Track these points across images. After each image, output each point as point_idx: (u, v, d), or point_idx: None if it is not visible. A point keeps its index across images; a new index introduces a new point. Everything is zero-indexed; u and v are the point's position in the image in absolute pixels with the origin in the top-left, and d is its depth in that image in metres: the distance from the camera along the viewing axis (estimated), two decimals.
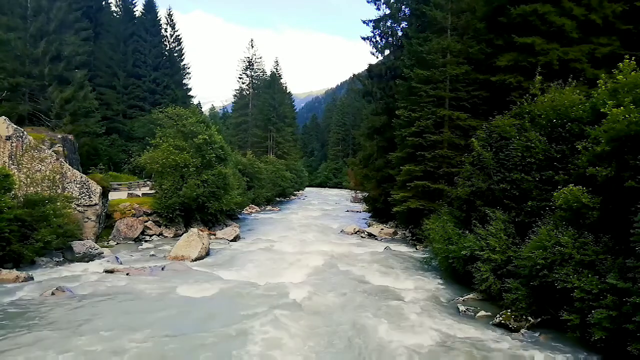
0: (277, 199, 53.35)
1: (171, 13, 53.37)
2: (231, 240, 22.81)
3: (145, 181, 35.08)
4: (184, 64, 55.04)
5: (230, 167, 28.63)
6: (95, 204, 19.88)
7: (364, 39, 30.64)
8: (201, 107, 73.92)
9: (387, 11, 29.88)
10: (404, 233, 25.46)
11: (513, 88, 16.72)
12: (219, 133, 27.73)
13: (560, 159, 11.50)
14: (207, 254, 18.32)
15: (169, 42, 52.68)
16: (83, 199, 19.60)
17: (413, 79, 21.40)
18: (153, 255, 18.38)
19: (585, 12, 16.51)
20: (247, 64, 71.59)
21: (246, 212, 37.76)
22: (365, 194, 36.20)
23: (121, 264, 16.30)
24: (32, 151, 18.88)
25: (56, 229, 15.87)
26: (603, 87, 10.33)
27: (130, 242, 21.31)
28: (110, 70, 45.43)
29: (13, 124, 19.14)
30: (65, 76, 30.95)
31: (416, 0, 26.16)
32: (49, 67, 29.65)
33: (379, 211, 30.96)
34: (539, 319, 10.06)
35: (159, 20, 51.63)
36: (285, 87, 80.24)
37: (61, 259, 16.29)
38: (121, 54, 46.50)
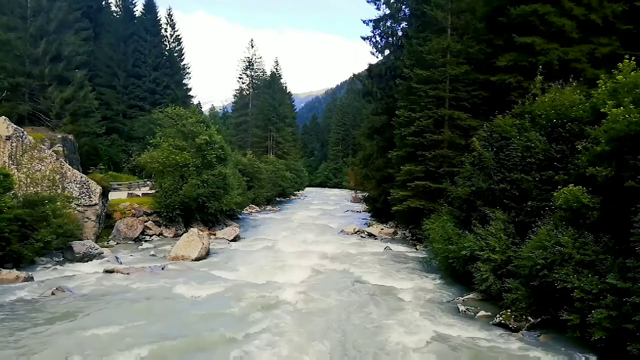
0: (277, 199, 53.35)
1: (171, 13, 53.46)
2: (231, 240, 22.81)
3: (145, 181, 35.09)
4: (184, 64, 55.07)
5: (230, 167, 28.62)
6: (95, 204, 19.88)
7: (364, 39, 30.67)
8: (201, 107, 73.91)
9: (387, 11, 29.88)
10: (404, 233, 25.45)
11: (513, 88, 16.69)
12: (219, 133, 27.73)
13: (560, 159, 11.50)
14: (207, 253, 18.32)
15: (169, 42, 52.69)
16: (83, 199, 19.61)
17: (413, 79, 21.40)
18: (153, 255, 18.39)
19: (585, 12, 16.48)
20: (247, 64, 71.61)
21: (246, 212, 37.76)
22: (365, 194, 36.20)
23: (121, 264, 16.30)
24: (32, 151, 18.89)
25: (56, 229, 15.87)
26: (603, 87, 10.33)
27: (130, 242, 21.31)
28: (110, 70, 45.44)
29: (13, 124, 19.16)
30: (65, 76, 30.92)
31: (416, 0, 26.16)
32: (49, 67, 29.63)
33: (379, 211, 30.95)
34: (539, 319, 10.06)
35: (159, 20, 51.66)
36: (285, 87, 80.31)
37: (61, 259, 16.29)
38: (121, 54, 46.51)
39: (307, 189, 78.84)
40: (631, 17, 16.55)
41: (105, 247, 18.94)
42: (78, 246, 16.68)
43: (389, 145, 26.03)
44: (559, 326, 9.38)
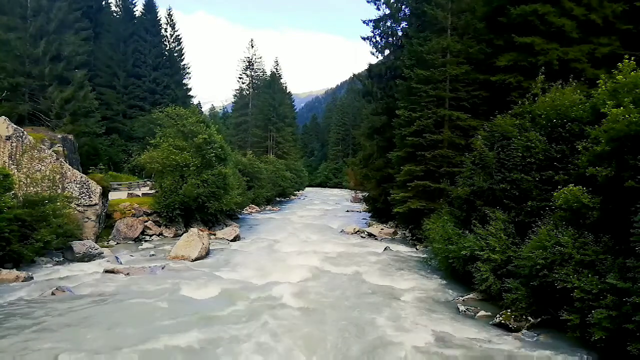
0: (277, 198, 53.35)
1: (171, 13, 53.47)
2: (231, 240, 22.82)
3: (145, 181, 35.10)
4: (184, 64, 55.06)
5: (230, 167, 28.63)
6: (95, 204, 19.88)
7: (364, 39, 30.68)
8: (201, 107, 73.93)
9: (387, 11, 29.89)
10: (404, 233, 25.46)
11: (513, 88, 16.70)
12: (219, 133, 27.73)
13: (560, 159, 11.50)
14: (207, 253, 18.32)
15: (169, 42, 52.69)
16: (83, 199, 19.60)
17: (413, 78, 21.40)
18: (153, 255, 18.39)
19: (585, 12, 16.48)
20: (247, 64, 71.63)
21: (246, 212, 37.77)
22: (365, 194, 36.20)
23: (121, 264, 16.30)
24: (32, 151, 18.88)
25: (56, 228, 15.86)
26: (603, 87, 10.32)
27: (130, 242, 21.31)
28: (110, 70, 45.44)
29: (13, 124, 19.15)
30: (65, 76, 30.93)
31: (416, 0, 26.16)
32: (49, 67, 29.63)
33: (379, 211, 30.96)
34: (539, 319, 10.06)
35: (159, 20, 51.67)
36: (285, 87, 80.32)
37: (61, 259, 16.29)
38: (121, 54, 46.52)
39: (307, 189, 78.89)
40: (631, 17, 16.55)
41: (105, 247, 18.93)
42: (78, 246, 16.67)
43: (389, 145, 26.04)
44: (559, 326, 9.38)
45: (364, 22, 30.57)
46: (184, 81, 54.70)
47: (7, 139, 18.45)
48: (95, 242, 18.54)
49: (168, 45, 52.50)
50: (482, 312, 11.23)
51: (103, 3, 49.97)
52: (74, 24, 34.02)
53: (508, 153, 12.67)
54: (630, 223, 8.20)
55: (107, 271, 14.59)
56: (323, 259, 18.02)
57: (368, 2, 29.91)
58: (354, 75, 39.67)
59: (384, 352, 8.76)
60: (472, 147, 15.15)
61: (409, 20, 28.70)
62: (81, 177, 20.05)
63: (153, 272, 14.85)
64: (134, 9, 51.46)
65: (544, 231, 10.01)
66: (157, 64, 49.03)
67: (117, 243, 20.81)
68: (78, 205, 19.30)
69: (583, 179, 9.82)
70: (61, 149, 21.79)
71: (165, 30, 52.46)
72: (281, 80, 75.43)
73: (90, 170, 24.71)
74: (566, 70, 15.32)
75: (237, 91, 73.63)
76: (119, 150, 42.48)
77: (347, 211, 42.87)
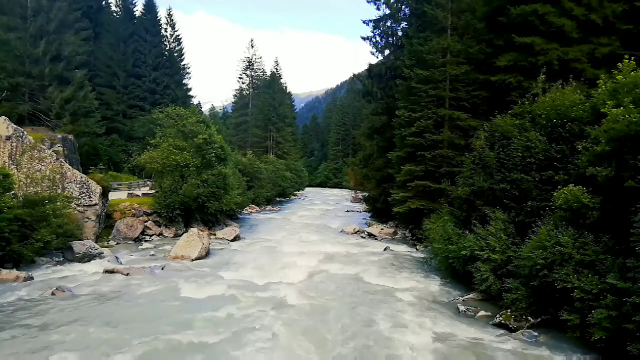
0: (277, 198, 53.34)
1: (171, 13, 53.49)
2: (231, 240, 22.82)
3: (145, 181, 35.10)
4: (184, 64, 55.09)
5: (230, 167, 28.62)
6: (95, 204, 19.88)
7: (364, 39, 30.69)
8: (201, 107, 73.97)
9: (387, 11, 29.91)
10: (404, 233, 25.45)
11: (513, 88, 16.70)
12: (219, 133, 27.74)
13: (560, 159, 11.49)
14: (207, 253, 18.32)
15: (169, 42, 52.72)
16: (83, 199, 19.60)
17: (413, 78, 21.41)
18: (153, 255, 18.39)
19: (585, 12, 16.48)
20: (247, 64, 71.66)
21: (246, 212, 37.77)
22: (365, 194, 36.21)
23: (121, 263, 16.31)
24: (31, 151, 18.89)
25: (56, 228, 15.86)
26: (603, 87, 10.32)
27: (130, 242, 21.31)
28: (110, 70, 45.47)
29: (13, 124, 19.16)
30: (65, 76, 30.95)
31: (416, 0, 26.18)
32: (49, 67, 29.65)
33: (379, 211, 30.96)
34: (539, 319, 10.06)
35: (159, 20, 51.71)
36: (285, 87, 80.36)
37: (61, 259, 16.28)
38: (121, 54, 46.54)
39: (307, 189, 78.89)
40: (631, 17, 16.54)
41: (105, 247, 18.93)
42: (78, 246, 16.67)
43: (389, 145, 26.04)
44: (559, 326, 9.38)
45: (364, 22, 30.62)
46: (184, 81, 54.78)
47: (7, 139, 18.46)
48: (95, 242, 18.54)
49: (168, 45, 52.53)
50: (482, 312, 11.23)
51: (103, 3, 50.01)
52: (74, 24, 34.03)
53: (508, 153, 12.67)
54: (630, 223, 8.20)
55: (107, 271, 14.59)
56: (323, 259, 18.02)
57: (368, 2, 29.94)
58: (354, 75, 39.70)
59: (384, 351, 8.76)
60: (472, 147, 15.15)
61: (409, 20, 28.71)
62: (81, 177, 20.05)
63: (153, 272, 14.85)
64: (134, 9, 51.52)
65: (544, 231, 10.01)
66: (157, 64, 49.06)
67: (117, 243, 20.81)
68: (78, 205, 19.30)
69: (583, 179, 9.82)
70: (61, 149, 21.80)
71: (165, 30, 52.52)
72: (281, 80, 75.52)
73: (90, 170, 24.71)
74: (566, 70, 15.32)
75: (237, 91, 73.67)
76: (119, 150, 42.50)
77: (347, 211, 42.87)
